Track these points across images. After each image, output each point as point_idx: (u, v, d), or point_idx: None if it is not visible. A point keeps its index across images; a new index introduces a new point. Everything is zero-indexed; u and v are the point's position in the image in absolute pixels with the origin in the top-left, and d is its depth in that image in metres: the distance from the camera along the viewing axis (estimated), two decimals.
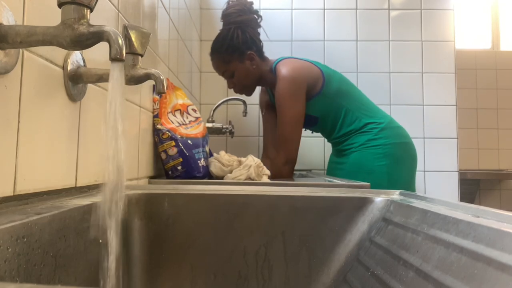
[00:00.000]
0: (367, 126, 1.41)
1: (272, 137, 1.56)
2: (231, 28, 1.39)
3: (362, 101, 1.48)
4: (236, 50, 1.39)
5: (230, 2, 1.44)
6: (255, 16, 1.44)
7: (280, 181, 1.10)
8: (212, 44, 1.44)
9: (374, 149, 1.38)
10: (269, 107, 1.59)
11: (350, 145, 1.43)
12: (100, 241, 0.39)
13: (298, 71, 1.38)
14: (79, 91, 0.58)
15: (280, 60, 1.43)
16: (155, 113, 1.00)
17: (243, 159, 1.12)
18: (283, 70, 1.37)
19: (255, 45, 1.42)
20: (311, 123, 1.47)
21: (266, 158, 1.54)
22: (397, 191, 0.68)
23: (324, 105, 1.41)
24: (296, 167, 1.78)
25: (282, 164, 1.34)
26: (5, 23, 0.40)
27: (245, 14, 1.41)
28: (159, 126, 0.99)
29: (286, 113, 1.35)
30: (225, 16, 1.43)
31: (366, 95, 1.52)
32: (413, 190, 1.47)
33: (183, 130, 1.03)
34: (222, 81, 2.03)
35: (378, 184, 1.26)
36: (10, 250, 0.32)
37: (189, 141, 1.02)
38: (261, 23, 1.47)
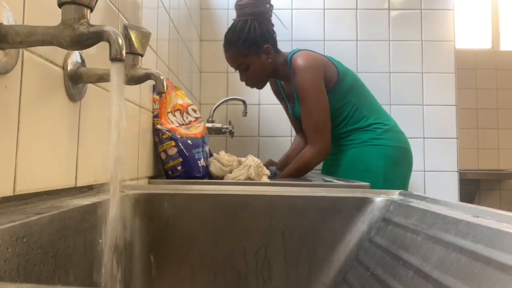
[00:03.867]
0: (372, 125, 1.41)
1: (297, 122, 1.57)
2: (248, 20, 1.35)
3: (371, 101, 1.48)
4: (254, 43, 1.36)
5: None
6: (268, 5, 1.41)
7: (280, 181, 1.10)
8: (226, 35, 1.39)
9: (374, 148, 1.38)
10: (281, 97, 1.60)
11: (351, 141, 1.43)
12: (100, 241, 0.39)
13: (316, 61, 1.37)
14: (79, 91, 0.58)
15: (296, 52, 1.41)
16: (155, 113, 1.00)
17: (243, 159, 1.12)
18: (300, 61, 1.35)
19: (271, 37, 1.40)
20: None
21: (300, 139, 1.58)
22: (397, 191, 0.68)
23: (335, 101, 1.40)
24: None
25: (318, 154, 1.32)
26: (5, 23, 0.40)
27: (261, 5, 1.38)
28: (159, 126, 0.99)
29: (313, 102, 1.33)
30: (241, 6, 1.38)
31: (374, 96, 1.52)
32: None
33: (183, 130, 1.03)
34: (222, 81, 2.03)
35: (374, 184, 1.26)
36: (10, 250, 0.32)
37: (189, 141, 1.02)
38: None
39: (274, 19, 1.45)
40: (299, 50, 1.42)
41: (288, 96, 1.54)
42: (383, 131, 1.40)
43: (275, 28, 1.44)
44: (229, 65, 1.46)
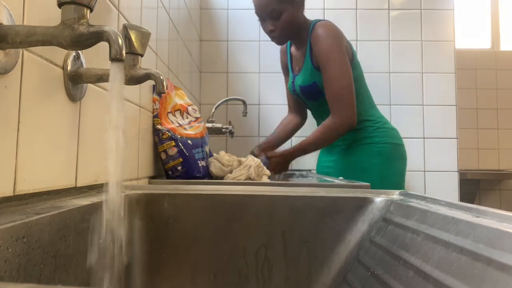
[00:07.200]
0: (363, 123, 1.41)
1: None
2: None
3: (368, 97, 1.48)
4: None
5: None
6: None
7: (280, 181, 1.10)
8: None
9: (368, 147, 1.38)
10: (286, 68, 1.58)
11: (343, 140, 1.41)
12: (100, 241, 0.39)
13: (340, 33, 1.37)
14: (79, 91, 0.58)
15: (319, 21, 1.39)
16: (155, 113, 1.00)
17: (243, 159, 1.12)
18: (323, 29, 1.33)
19: None
20: (317, 95, 1.41)
21: (293, 116, 1.57)
22: (397, 191, 0.68)
23: None
24: (295, 167, 1.78)
25: (341, 124, 1.28)
26: (5, 23, 0.40)
27: None
28: (159, 126, 0.99)
29: (337, 67, 1.29)
30: None
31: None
32: None
33: (183, 130, 1.03)
34: (222, 81, 2.03)
35: (371, 182, 1.25)
36: (10, 250, 0.32)
37: (189, 141, 1.02)
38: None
39: None
40: (321, 20, 1.41)
41: (294, 65, 1.50)
42: (374, 129, 1.40)
43: None
44: (257, 11, 1.37)
